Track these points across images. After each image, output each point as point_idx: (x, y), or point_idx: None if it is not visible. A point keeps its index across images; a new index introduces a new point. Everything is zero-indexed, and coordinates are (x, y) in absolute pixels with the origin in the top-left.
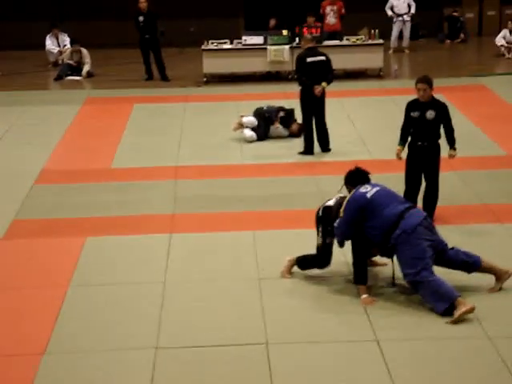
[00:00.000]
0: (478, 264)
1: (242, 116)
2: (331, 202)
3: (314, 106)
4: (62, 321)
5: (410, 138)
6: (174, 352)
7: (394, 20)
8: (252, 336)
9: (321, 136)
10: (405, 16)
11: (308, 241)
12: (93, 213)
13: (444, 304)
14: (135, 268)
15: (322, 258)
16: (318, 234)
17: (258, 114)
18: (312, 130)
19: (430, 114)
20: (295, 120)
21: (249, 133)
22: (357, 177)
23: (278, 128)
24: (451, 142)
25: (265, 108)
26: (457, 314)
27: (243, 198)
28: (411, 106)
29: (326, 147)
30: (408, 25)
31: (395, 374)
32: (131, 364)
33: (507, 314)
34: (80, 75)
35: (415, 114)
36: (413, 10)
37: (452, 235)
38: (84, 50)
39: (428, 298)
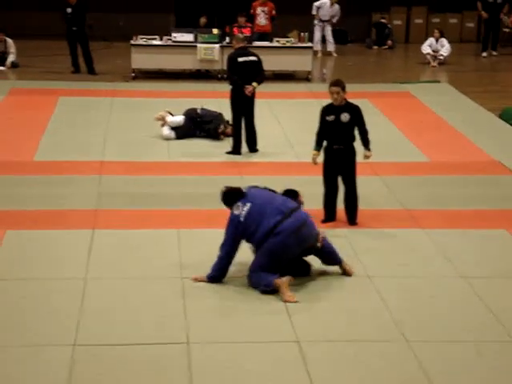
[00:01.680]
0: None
1: (167, 111)
2: None
3: (243, 106)
4: None
5: (325, 142)
6: (93, 350)
7: (315, 23)
8: (173, 335)
9: (249, 136)
10: (325, 23)
11: None
12: (13, 206)
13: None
14: (55, 263)
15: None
16: None
17: (189, 114)
18: (241, 130)
19: (345, 117)
20: (228, 122)
21: (166, 131)
22: (230, 196)
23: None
24: (366, 143)
25: (198, 111)
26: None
27: (168, 196)
28: (326, 111)
29: (253, 148)
30: (329, 28)
31: (314, 375)
32: (48, 361)
33: (425, 319)
34: (4, 65)
35: (330, 118)
36: (334, 21)
37: (372, 239)
38: (9, 40)
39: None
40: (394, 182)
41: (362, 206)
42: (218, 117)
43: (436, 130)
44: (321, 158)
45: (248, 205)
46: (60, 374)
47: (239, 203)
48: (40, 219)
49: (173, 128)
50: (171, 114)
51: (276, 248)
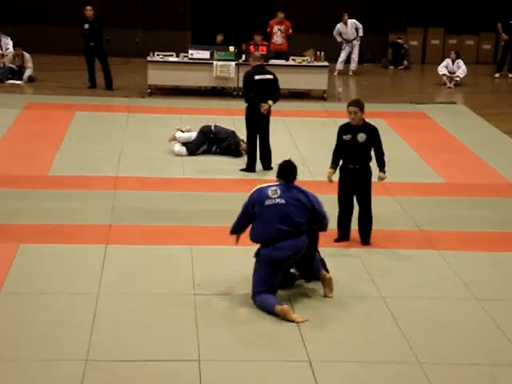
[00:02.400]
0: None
1: (177, 129)
2: None
3: (258, 124)
4: None
5: (341, 161)
6: (104, 365)
7: (343, 46)
8: (184, 352)
9: (263, 154)
10: (353, 41)
11: (245, 257)
12: (28, 220)
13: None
14: (69, 278)
15: None
16: None
17: (203, 131)
18: (256, 148)
19: (361, 137)
20: (242, 140)
21: (177, 148)
22: (284, 171)
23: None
24: (381, 164)
25: (213, 128)
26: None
27: (182, 212)
28: (343, 130)
29: (267, 165)
30: (356, 49)
31: None
32: (60, 375)
33: (439, 341)
34: (21, 79)
35: (347, 137)
36: (360, 33)
37: (386, 259)
38: (26, 55)
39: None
40: (408, 203)
41: (375, 225)
42: (232, 134)
43: (451, 151)
44: (336, 177)
45: (278, 200)
46: None
47: (279, 190)
48: (54, 233)
49: (183, 144)
50: (181, 131)
51: (274, 262)
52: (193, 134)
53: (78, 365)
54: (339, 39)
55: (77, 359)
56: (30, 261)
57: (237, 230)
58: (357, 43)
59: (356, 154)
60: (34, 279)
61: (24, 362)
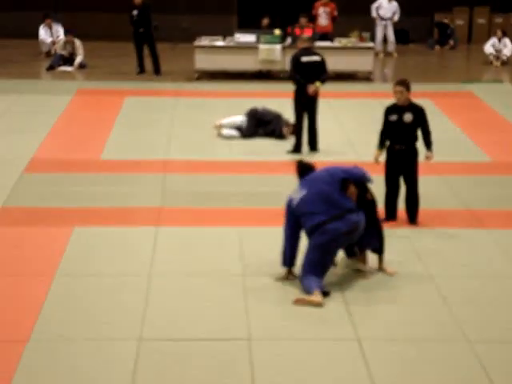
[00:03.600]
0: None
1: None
2: None
3: (306, 106)
4: (46, 309)
5: (388, 142)
6: (157, 344)
7: (377, 23)
8: (235, 331)
9: (311, 136)
10: (388, 21)
11: None
12: (81, 203)
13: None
14: (121, 259)
15: None
16: None
17: (251, 113)
18: (302, 130)
19: (408, 118)
20: (287, 123)
21: (226, 131)
22: (298, 170)
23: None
24: (428, 144)
25: (259, 110)
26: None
27: (230, 194)
28: (389, 110)
29: (314, 147)
30: (390, 29)
31: (375, 374)
32: (114, 354)
33: (488, 319)
34: (72, 66)
35: (393, 118)
36: (396, 18)
37: (434, 239)
38: (77, 41)
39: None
40: (455, 182)
41: (423, 205)
42: (278, 117)
43: (498, 130)
44: (383, 158)
45: (303, 192)
46: (125, 368)
47: (299, 186)
48: (106, 216)
49: (236, 127)
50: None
51: (324, 243)
52: (236, 118)
53: (132, 344)
54: (374, 14)
55: (130, 338)
56: (84, 243)
57: (288, 257)
58: (390, 24)
59: (402, 134)
60: (88, 261)
61: (79, 342)
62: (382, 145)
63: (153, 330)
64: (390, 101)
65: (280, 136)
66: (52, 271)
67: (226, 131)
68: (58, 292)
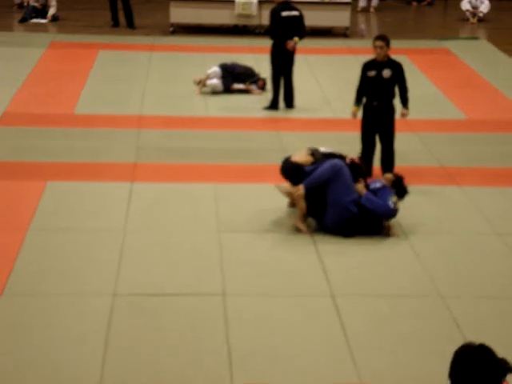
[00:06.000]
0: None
1: (207, 76)
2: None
3: (283, 62)
4: (19, 264)
5: (365, 99)
6: (131, 299)
7: None
8: (209, 287)
9: (287, 92)
10: None
11: (268, 195)
12: (54, 158)
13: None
14: (95, 215)
15: None
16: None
17: (222, 66)
18: (279, 86)
19: (387, 73)
20: (258, 77)
21: (214, 81)
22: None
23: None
24: (404, 101)
25: (229, 63)
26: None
27: (206, 151)
28: (368, 66)
29: (290, 103)
30: None
31: (349, 329)
32: (88, 309)
33: (460, 275)
34: (45, 18)
35: (372, 74)
36: None
37: (409, 195)
38: None
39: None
40: (430, 139)
41: (398, 162)
42: (249, 70)
43: (473, 88)
44: (360, 114)
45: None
46: (100, 323)
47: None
48: (80, 171)
49: (216, 78)
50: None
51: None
52: (211, 70)
53: (106, 299)
54: None
55: (105, 293)
56: (57, 198)
57: None
58: None
59: (380, 90)
60: (62, 216)
61: (53, 297)
62: (359, 101)
63: (127, 285)
64: (368, 57)
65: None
66: (25, 226)
67: (213, 81)
68: (31, 247)
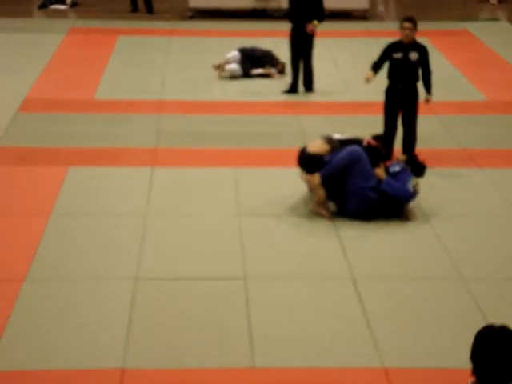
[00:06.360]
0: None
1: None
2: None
3: (302, 45)
4: (43, 248)
5: (389, 81)
6: (153, 283)
7: None
8: (230, 271)
9: (306, 76)
10: None
11: (287, 179)
12: (76, 143)
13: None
14: (117, 199)
15: None
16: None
17: (241, 51)
18: (298, 69)
19: (413, 56)
20: (278, 61)
21: (233, 65)
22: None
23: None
24: (428, 86)
25: (248, 47)
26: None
27: (226, 135)
28: (393, 47)
29: (310, 87)
30: None
31: (370, 312)
32: (111, 293)
33: (482, 258)
34: (65, 4)
35: (398, 56)
36: None
37: (430, 178)
38: None
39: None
40: (450, 121)
41: (419, 145)
42: (269, 53)
43: (494, 69)
44: (378, 96)
45: None
46: (122, 306)
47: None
48: (101, 156)
49: (235, 62)
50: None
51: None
52: (230, 54)
53: (128, 283)
54: None
55: (127, 277)
56: (79, 183)
57: None
58: None
59: (406, 73)
60: (84, 201)
61: (76, 281)
62: (375, 70)
63: (149, 270)
64: (387, 40)
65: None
66: (47, 211)
67: (232, 65)
68: (53, 232)
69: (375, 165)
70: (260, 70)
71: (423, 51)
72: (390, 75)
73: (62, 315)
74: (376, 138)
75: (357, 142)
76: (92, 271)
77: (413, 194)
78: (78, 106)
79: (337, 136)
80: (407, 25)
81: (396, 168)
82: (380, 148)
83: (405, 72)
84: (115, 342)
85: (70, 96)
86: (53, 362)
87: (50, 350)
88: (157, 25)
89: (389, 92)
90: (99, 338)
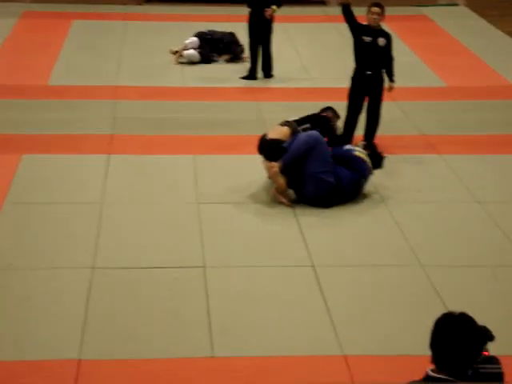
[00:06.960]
0: None
1: (184, 47)
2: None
3: (261, 31)
4: None
5: (356, 67)
6: (110, 272)
7: None
8: (189, 259)
9: (265, 61)
10: None
11: (247, 166)
12: (29, 130)
13: None
14: (72, 187)
15: None
16: None
17: (200, 35)
18: (257, 55)
19: (382, 42)
20: (237, 44)
21: (191, 51)
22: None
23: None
24: (391, 73)
25: (206, 31)
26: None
27: (183, 121)
28: (362, 29)
29: (268, 73)
30: None
31: (330, 299)
32: (67, 283)
33: (441, 244)
34: None
35: (368, 39)
36: None
37: (388, 163)
38: None
39: None
40: (410, 107)
41: (379, 131)
42: (229, 35)
43: (453, 54)
44: (342, 83)
45: None
46: (78, 296)
47: None
48: (56, 144)
49: (193, 48)
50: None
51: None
52: (188, 40)
53: (85, 272)
54: None
55: (83, 267)
56: (33, 171)
57: None
58: None
59: (375, 58)
60: (38, 189)
61: (32, 271)
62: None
63: (106, 259)
64: (346, 25)
65: (236, 54)
66: (0, 199)
67: (190, 51)
68: (7, 220)
69: (330, 135)
70: (226, 56)
71: (388, 38)
72: (358, 60)
73: (16, 305)
74: (324, 109)
75: (314, 117)
76: (47, 261)
77: (369, 170)
78: (32, 92)
79: (294, 118)
80: (375, 9)
81: (352, 152)
82: (332, 117)
83: (373, 57)
84: (71, 332)
85: (23, 82)
86: (7, 353)
87: (4, 341)
88: (113, 9)
89: (356, 78)
90: (55, 328)
